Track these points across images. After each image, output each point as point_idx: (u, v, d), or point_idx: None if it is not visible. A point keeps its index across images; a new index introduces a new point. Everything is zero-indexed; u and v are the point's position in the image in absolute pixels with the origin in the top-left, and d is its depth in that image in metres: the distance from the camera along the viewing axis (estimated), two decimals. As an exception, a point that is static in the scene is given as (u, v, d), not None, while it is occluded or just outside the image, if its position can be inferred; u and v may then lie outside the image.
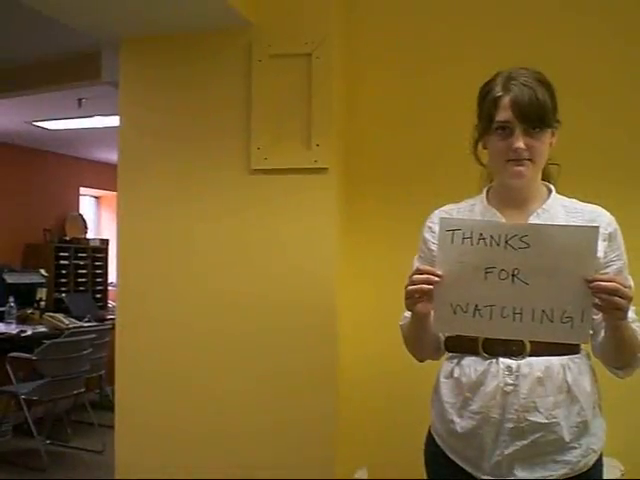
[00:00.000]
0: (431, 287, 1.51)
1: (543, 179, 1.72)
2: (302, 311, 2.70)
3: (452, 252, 1.52)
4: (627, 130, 2.57)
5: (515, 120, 1.58)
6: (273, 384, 2.73)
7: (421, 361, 1.82)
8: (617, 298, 1.42)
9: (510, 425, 1.58)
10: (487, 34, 2.68)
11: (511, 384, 1.58)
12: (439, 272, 1.52)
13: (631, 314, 1.59)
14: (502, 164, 1.62)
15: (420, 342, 1.74)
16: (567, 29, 2.61)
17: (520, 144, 1.57)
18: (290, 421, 2.70)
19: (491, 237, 1.50)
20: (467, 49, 2.68)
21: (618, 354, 1.61)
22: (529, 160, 1.59)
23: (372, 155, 2.82)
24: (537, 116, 1.57)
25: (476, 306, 1.51)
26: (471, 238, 1.50)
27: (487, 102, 1.63)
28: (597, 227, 1.48)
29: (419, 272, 1.54)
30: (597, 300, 1.44)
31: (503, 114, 1.59)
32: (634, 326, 1.59)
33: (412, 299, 1.55)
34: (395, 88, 2.80)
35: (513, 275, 1.49)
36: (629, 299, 1.44)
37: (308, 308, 2.69)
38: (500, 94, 1.60)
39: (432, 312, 1.56)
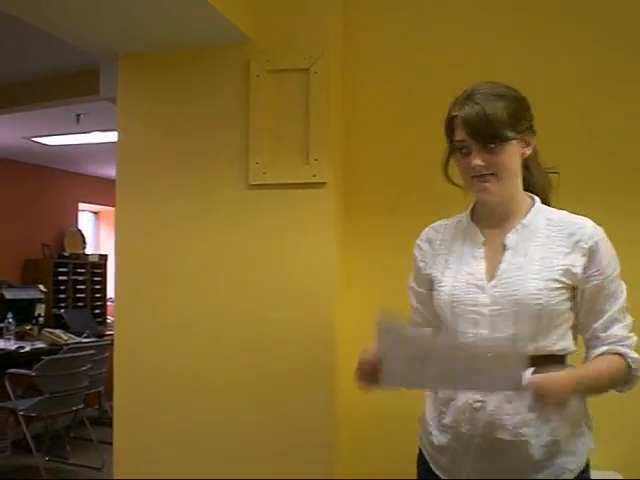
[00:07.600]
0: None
1: (536, 190, 1.71)
2: (300, 325, 2.68)
3: (390, 346, 1.58)
4: (629, 142, 2.57)
5: (469, 138, 1.59)
6: (271, 401, 2.71)
7: None
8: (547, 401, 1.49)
9: (479, 440, 1.59)
10: (488, 46, 2.68)
11: (479, 400, 1.59)
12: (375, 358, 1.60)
13: (622, 332, 1.59)
14: (468, 181, 1.65)
15: None
16: (564, 44, 2.62)
17: (477, 161, 1.59)
18: (289, 433, 2.69)
19: (424, 350, 1.56)
20: (466, 62, 2.68)
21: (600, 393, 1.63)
22: (493, 175, 1.60)
23: (371, 169, 2.81)
24: (488, 132, 1.57)
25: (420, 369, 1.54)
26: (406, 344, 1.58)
27: (446, 122, 1.66)
28: (523, 354, 1.47)
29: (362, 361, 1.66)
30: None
31: (459, 134, 1.62)
32: (621, 350, 1.58)
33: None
34: (393, 102, 2.81)
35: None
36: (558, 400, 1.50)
37: (306, 322, 2.68)
38: (455, 114, 1.63)
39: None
